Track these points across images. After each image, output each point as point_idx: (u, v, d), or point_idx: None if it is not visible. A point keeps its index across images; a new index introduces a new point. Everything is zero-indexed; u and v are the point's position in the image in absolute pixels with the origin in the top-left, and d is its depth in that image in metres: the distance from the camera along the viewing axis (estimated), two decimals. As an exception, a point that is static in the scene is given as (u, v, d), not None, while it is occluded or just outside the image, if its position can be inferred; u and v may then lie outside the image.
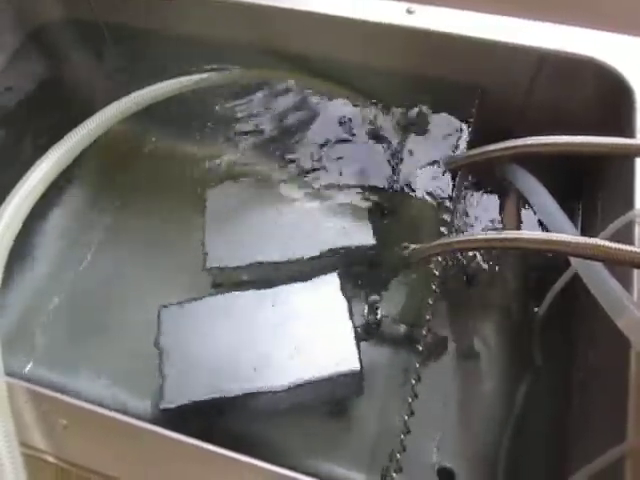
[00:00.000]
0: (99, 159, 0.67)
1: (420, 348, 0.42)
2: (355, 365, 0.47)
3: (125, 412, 0.50)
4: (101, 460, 0.35)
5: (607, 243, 0.34)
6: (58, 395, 0.36)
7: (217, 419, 0.49)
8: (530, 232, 0.38)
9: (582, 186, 0.57)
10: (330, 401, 0.51)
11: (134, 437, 0.36)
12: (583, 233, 0.52)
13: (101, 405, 0.50)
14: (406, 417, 0.39)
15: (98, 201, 0.66)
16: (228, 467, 0.35)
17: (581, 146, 0.42)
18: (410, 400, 0.40)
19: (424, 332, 0.43)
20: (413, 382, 0.40)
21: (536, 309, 0.52)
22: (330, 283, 0.52)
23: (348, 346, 0.48)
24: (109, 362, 0.54)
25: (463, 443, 0.49)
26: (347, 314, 0.50)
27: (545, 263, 0.55)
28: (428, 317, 0.43)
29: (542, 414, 0.49)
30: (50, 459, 0.35)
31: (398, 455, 0.38)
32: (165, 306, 0.52)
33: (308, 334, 0.49)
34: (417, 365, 0.41)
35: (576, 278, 0.42)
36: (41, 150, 0.51)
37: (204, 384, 0.48)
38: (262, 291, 0.52)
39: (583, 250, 0.35)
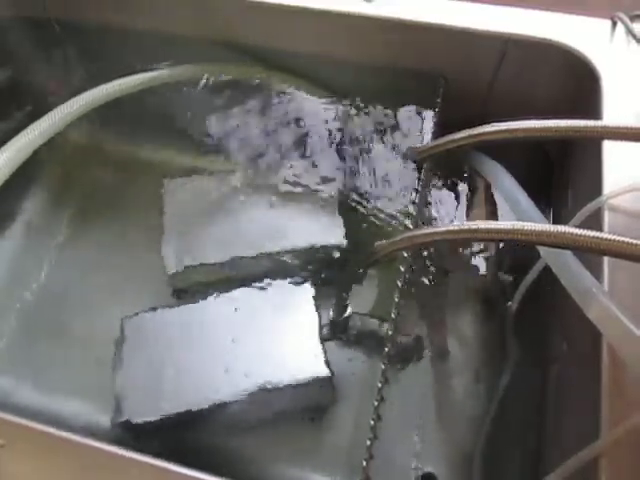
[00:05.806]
0: (57, 163, 0.65)
1: (386, 349, 0.39)
2: (325, 372, 0.45)
3: (85, 425, 0.49)
4: (42, 482, 0.32)
5: (573, 230, 0.33)
6: (-7, 411, 0.34)
7: (184, 432, 0.47)
8: (493, 222, 0.36)
9: (553, 175, 0.56)
10: (302, 409, 0.49)
11: (79, 456, 0.33)
12: (555, 223, 0.51)
13: (59, 417, 0.49)
14: (372, 422, 0.37)
15: (58, 206, 0.64)
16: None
17: (547, 130, 0.40)
18: (376, 404, 0.38)
19: (390, 332, 0.40)
20: (379, 385, 0.38)
21: (509, 303, 0.50)
22: (301, 290, 0.50)
23: (317, 353, 0.46)
24: (69, 372, 0.52)
25: (440, 446, 0.48)
26: (316, 320, 0.48)
27: (518, 255, 0.53)
28: (394, 315, 0.41)
29: (519, 413, 0.48)
30: (-12, 483, 0.33)
31: (364, 463, 0.36)
32: (127, 317, 0.50)
33: (276, 343, 0.48)
34: (382, 367, 0.39)
35: (549, 269, 0.40)
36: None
37: (168, 398, 0.46)
38: (227, 298, 0.50)
39: (548, 238, 0.33)
